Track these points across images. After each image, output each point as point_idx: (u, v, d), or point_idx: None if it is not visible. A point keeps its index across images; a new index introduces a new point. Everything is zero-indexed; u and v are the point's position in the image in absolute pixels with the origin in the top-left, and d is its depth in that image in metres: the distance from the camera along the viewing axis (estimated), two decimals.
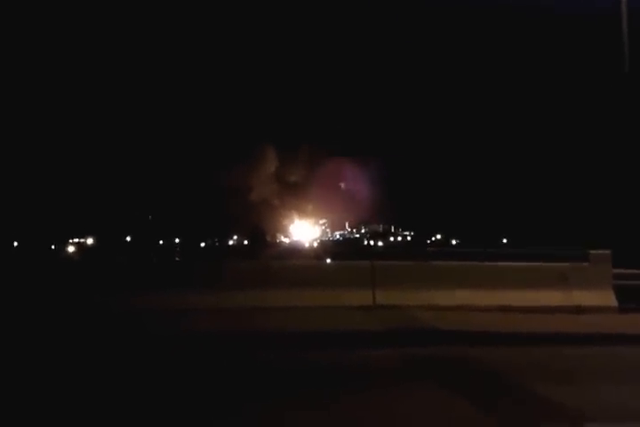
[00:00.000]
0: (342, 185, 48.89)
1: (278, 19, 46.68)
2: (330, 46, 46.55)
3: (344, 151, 45.73)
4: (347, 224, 59.62)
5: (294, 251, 37.80)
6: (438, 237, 49.92)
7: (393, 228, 57.72)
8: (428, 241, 49.79)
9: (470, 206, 46.82)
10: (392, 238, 54.05)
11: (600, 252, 10.02)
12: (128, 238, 44.62)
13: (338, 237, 58.32)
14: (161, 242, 46.67)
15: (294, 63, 49.46)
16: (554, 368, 6.65)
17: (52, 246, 42.51)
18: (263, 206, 49.05)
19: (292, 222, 52.18)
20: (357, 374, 6.29)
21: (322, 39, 46.55)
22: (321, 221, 55.78)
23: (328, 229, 58.12)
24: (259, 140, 47.43)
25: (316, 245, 47.08)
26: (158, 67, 46.47)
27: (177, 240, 46.93)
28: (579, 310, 9.64)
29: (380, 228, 57.47)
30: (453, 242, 45.40)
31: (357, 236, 57.16)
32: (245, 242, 48.03)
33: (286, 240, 50.73)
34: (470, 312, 9.34)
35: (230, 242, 49.35)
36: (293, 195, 51.06)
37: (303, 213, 52.35)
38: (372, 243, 50.76)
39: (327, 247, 40.75)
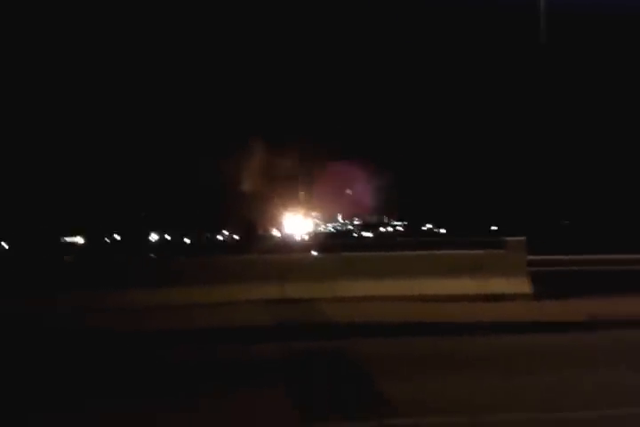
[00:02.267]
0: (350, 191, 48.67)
1: (277, 16, 46.07)
2: (330, 45, 46.07)
3: (340, 146, 45.67)
4: (339, 216, 59.52)
5: (286, 244, 37.72)
6: (429, 226, 49.75)
7: (386, 218, 57.50)
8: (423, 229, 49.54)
9: (462, 196, 46.70)
10: (383, 229, 53.87)
11: (515, 239, 9.90)
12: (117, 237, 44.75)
13: (331, 229, 58.14)
14: (153, 238, 46.86)
15: (292, 62, 48.97)
16: (432, 360, 6.54)
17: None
18: (254, 200, 48.94)
19: (284, 216, 52.03)
20: (230, 370, 6.27)
21: (321, 38, 46.04)
22: (313, 214, 55.59)
23: (321, 222, 57.97)
24: (250, 132, 47.17)
25: (307, 237, 46.92)
26: (147, 60, 46.17)
27: (167, 236, 46.98)
28: (494, 297, 9.52)
29: (373, 219, 57.26)
30: (442, 231, 45.22)
31: (351, 228, 56.95)
32: (236, 237, 47.97)
33: (278, 234, 50.58)
34: (381, 302, 9.23)
35: (220, 237, 49.36)
36: (285, 188, 50.93)
37: (295, 206, 52.21)
38: (363, 234, 50.66)
39: (319, 240, 40.57)
